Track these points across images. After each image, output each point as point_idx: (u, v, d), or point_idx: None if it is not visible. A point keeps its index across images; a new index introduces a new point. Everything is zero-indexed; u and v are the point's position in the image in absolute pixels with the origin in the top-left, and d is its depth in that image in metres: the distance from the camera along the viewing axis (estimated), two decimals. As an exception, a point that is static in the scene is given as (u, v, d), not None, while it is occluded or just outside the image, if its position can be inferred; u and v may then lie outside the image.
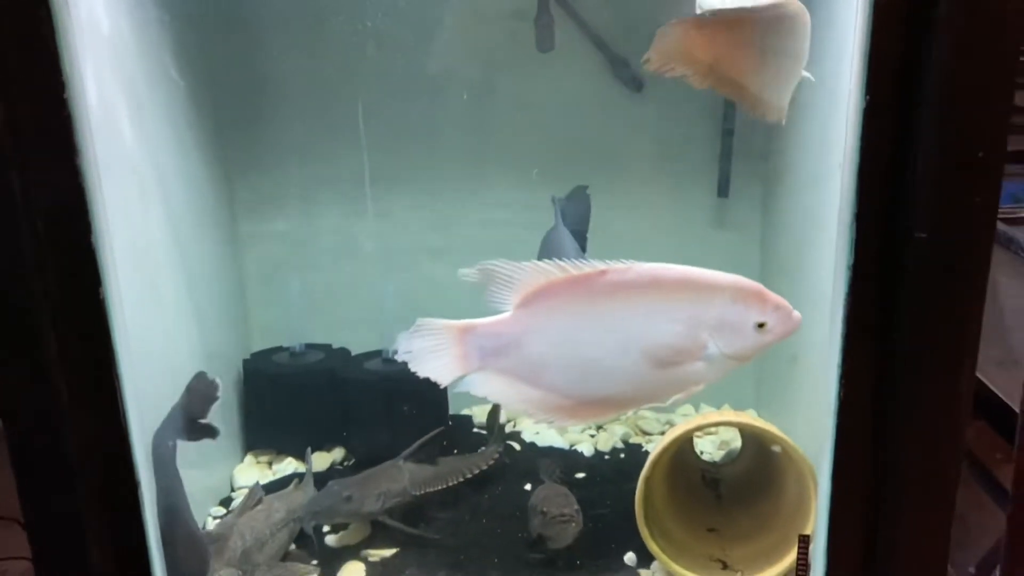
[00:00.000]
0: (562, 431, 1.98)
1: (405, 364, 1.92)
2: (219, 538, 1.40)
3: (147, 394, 1.26)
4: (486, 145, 1.93)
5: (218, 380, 1.32)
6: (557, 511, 1.38)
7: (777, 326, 1.02)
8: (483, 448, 1.78)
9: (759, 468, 1.63)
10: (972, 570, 1.43)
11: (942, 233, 0.87)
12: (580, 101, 1.90)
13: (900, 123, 0.86)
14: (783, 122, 1.12)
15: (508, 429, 1.97)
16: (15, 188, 0.93)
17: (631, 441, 1.95)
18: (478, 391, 1.14)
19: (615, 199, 1.88)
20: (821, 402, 1.12)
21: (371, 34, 1.77)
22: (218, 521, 1.54)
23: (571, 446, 1.91)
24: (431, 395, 1.86)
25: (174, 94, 1.62)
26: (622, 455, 1.88)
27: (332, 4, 1.75)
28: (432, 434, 1.65)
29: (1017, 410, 1.47)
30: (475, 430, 1.97)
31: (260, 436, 1.92)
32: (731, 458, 1.80)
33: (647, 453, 1.82)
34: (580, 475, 1.77)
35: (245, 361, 1.91)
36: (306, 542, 1.57)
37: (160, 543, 1.13)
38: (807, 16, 1.10)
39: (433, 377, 1.12)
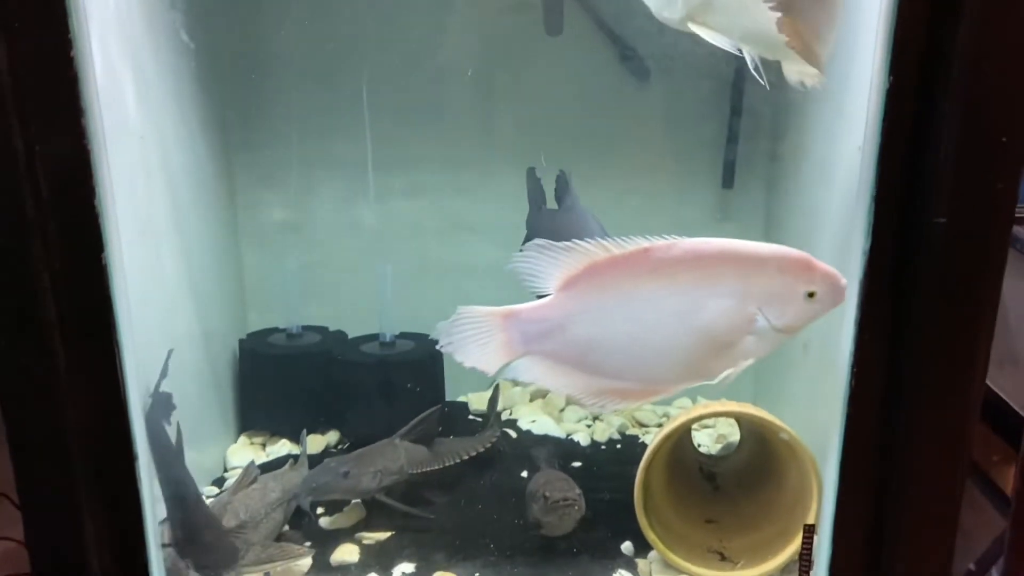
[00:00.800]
0: (558, 420, 1.96)
1: (401, 348, 1.92)
2: (213, 516, 1.39)
3: (147, 369, 1.26)
4: (489, 129, 1.91)
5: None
6: (560, 495, 1.36)
7: (827, 295, 1.00)
8: (480, 432, 1.77)
9: (758, 461, 1.62)
10: (972, 566, 1.43)
11: (961, 219, 0.86)
12: (585, 88, 1.88)
13: (923, 107, 0.85)
14: (823, 78, 1.09)
15: (504, 417, 1.95)
16: (18, 149, 0.91)
17: (628, 432, 1.94)
18: (524, 377, 1.14)
19: (618, 187, 1.87)
20: (824, 394, 1.11)
21: (378, 14, 1.75)
22: (212, 500, 1.52)
23: (567, 435, 1.90)
24: (427, 381, 1.86)
25: (180, 66, 1.60)
26: (618, 446, 1.87)
27: None
28: (428, 412, 1.64)
29: (1021, 412, 1.47)
30: (471, 417, 1.96)
31: (254, 417, 1.90)
32: (729, 451, 1.79)
33: (644, 444, 1.81)
34: (576, 464, 1.76)
35: (241, 341, 1.89)
36: (300, 523, 1.55)
37: (157, 526, 1.12)
38: None
39: (479, 367, 1.12)
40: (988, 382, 1.58)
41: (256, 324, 1.98)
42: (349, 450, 1.81)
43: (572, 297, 1.09)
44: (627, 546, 1.47)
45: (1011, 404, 1.56)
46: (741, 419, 1.72)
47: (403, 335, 1.89)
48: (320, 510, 1.58)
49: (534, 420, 1.94)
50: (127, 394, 1.02)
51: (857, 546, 1.04)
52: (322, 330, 1.95)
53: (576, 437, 1.89)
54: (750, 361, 1.09)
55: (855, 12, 1.08)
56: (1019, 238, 1.75)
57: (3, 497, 1.41)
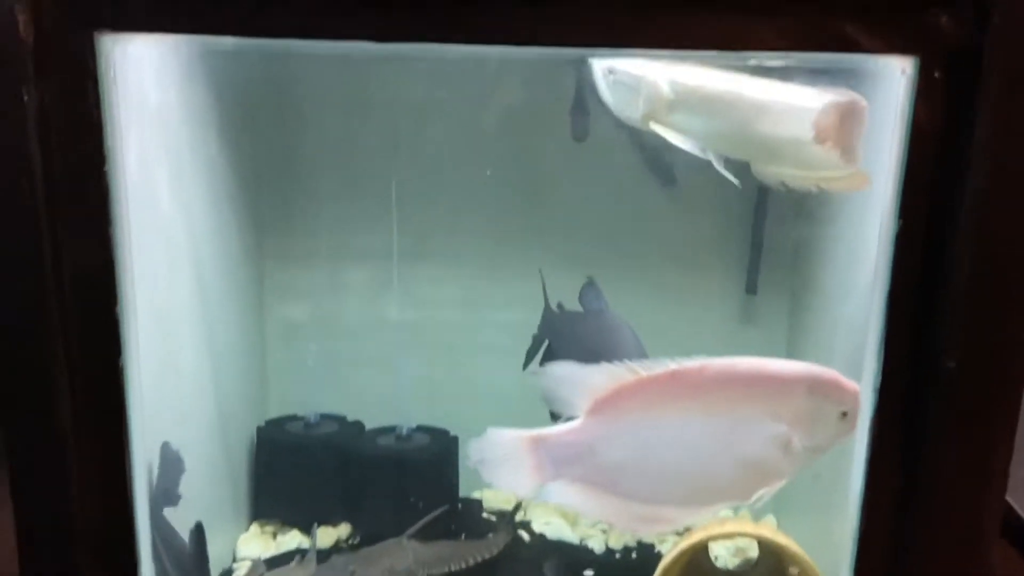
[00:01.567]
0: (573, 524, 1.93)
1: (417, 443, 1.92)
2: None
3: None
4: (514, 229, 1.93)
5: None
6: None
7: (859, 413, 0.99)
8: (491, 535, 1.74)
9: (775, 580, 1.57)
10: None
11: (971, 364, 0.85)
12: (610, 191, 1.91)
13: (932, 251, 0.85)
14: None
15: (518, 517, 1.92)
16: (46, 253, 0.94)
17: (644, 540, 1.89)
18: (555, 500, 1.14)
19: (640, 291, 1.88)
20: (842, 517, 1.09)
21: (409, 116, 1.81)
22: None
23: (581, 540, 1.86)
24: (441, 476, 1.85)
25: (216, 159, 1.66)
26: (633, 554, 1.82)
27: (370, 86, 1.79)
28: (436, 512, 1.62)
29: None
30: (484, 515, 1.93)
31: (268, 505, 1.89)
32: (747, 567, 1.74)
33: (660, 554, 1.76)
34: (588, 573, 1.72)
35: (259, 428, 1.90)
36: (305, 622, 1.53)
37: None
38: None
39: (510, 490, 1.15)
40: (1014, 502, 1.54)
41: (277, 411, 1.99)
42: (360, 544, 1.79)
43: (601, 422, 1.10)
44: (637, 666, 1.43)
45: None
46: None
47: (420, 428, 1.88)
48: (326, 609, 1.56)
49: (548, 522, 1.91)
50: (134, 497, 1.03)
51: None
52: (340, 420, 1.94)
53: (590, 543, 1.85)
54: (783, 481, 1.08)
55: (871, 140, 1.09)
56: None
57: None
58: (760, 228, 1.91)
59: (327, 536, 1.83)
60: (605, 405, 1.09)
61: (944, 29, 0.82)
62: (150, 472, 1.25)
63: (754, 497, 1.09)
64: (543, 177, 1.87)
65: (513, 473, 1.12)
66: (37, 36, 0.87)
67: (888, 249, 0.87)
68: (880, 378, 0.90)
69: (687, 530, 1.87)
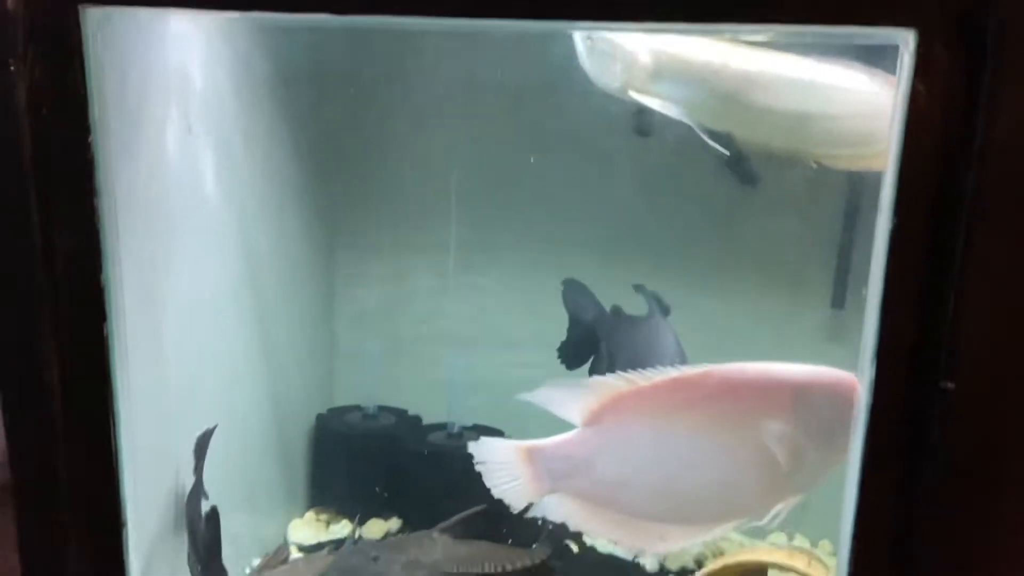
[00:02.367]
0: (628, 539, 1.83)
1: (467, 441, 1.90)
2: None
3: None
4: (585, 230, 1.86)
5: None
6: None
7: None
8: (535, 545, 1.68)
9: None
10: None
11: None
12: (684, 193, 1.80)
13: (931, 253, 0.73)
14: None
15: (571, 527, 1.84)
16: (36, 225, 0.98)
17: (705, 563, 1.77)
18: (554, 516, 1.10)
19: (717, 304, 1.76)
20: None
21: (474, 104, 1.78)
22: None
23: (634, 557, 1.76)
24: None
25: (276, 152, 1.69)
26: (688, 578, 1.71)
27: (439, 78, 1.78)
28: (472, 511, 1.58)
29: None
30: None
31: (324, 494, 1.91)
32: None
33: (713, 580, 1.64)
34: (631, 592, 1.62)
35: (318, 416, 1.92)
36: (331, 611, 1.53)
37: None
38: None
39: (506, 500, 1.10)
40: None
41: (343, 399, 2.01)
42: (407, 539, 1.78)
43: (598, 433, 1.05)
44: None
45: None
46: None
47: (476, 427, 1.85)
48: (353, 601, 1.55)
49: (611, 540, 1.82)
50: (119, 456, 1.05)
51: None
52: (399, 413, 1.95)
53: (643, 561, 1.74)
54: (801, 496, 1.01)
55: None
56: None
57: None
58: (850, 235, 1.75)
59: (377, 528, 1.83)
60: (602, 415, 1.04)
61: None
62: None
63: (770, 514, 1.01)
64: (608, 175, 1.79)
65: (510, 483, 1.08)
66: (24, 9, 0.90)
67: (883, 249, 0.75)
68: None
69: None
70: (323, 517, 1.89)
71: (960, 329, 0.72)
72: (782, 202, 1.76)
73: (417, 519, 1.79)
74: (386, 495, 1.82)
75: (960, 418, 0.72)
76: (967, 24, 0.68)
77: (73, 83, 0.94)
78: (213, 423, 1.48)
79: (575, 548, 1.78)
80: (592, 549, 1.79)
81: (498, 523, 1.64)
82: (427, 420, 1.93)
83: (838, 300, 1.78)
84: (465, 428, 1.83)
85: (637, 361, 1.51)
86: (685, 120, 1.04)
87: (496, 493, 1.10)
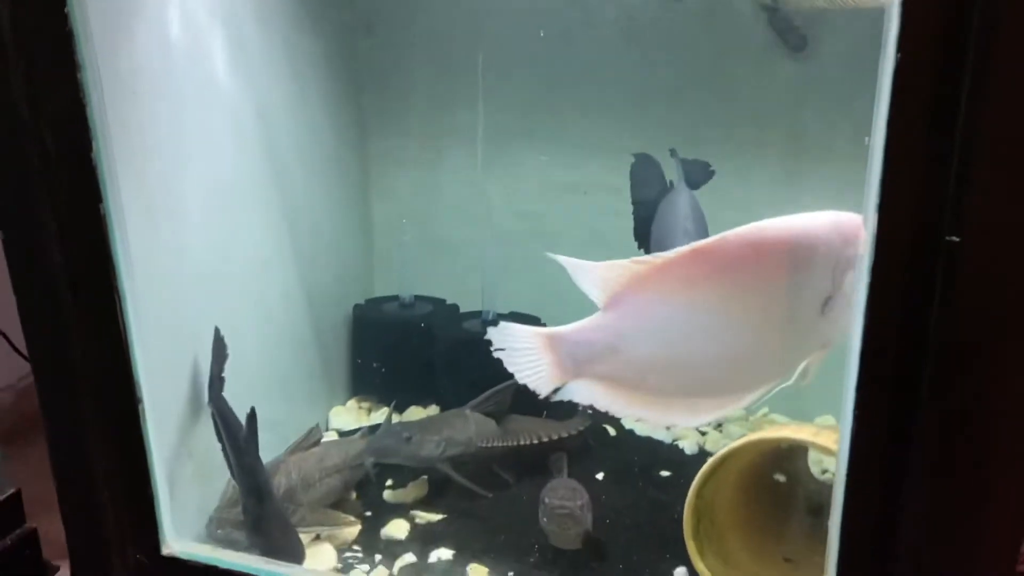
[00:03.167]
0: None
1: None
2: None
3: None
4: (626, 106, 1.77)
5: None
6: (558, 502, 1.24)
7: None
8: (572, 419, 1.67)
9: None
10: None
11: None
12: (725, 59, 1.68)
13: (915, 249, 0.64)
14: None
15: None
16: (21, 104, 0.97)
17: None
18: (581, 399, 1.08)
19: (763, 171, 1.67)
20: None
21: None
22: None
23: (673, 441, 1.74)
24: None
25: (293, 36, 1.64)
26: (726, 460, 1.67)
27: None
28: (502, 385, 1.57)
29: None
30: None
31: (365, 382, 1.93)
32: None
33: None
34: (665, 473, 1.60)
35: (356, 306, 1.93)
36: (366, 492, 1.55)
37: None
38: None
39: (531, 387, 1.08)
40: None
41: (383, 290, 2.01)
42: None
43: (619, 317, 1.01)
44: (681, 571, 1.31)
45: None
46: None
47: (513, 314, 1.82)
48: (389, 482, 1.57)
49: (639, 419, 1.80)
50: (129, 336, 1.06)
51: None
52: (437, 302, 1.93)
53: (681, 443, 1.72)
54: (830, 347, 0.98)
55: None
56: None
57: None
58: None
59: (416, 415, 1.84)
60: (622, 299, 1.00)
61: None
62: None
63: (798, 370, 0.99)
64: (643, 44, 1.68)
65: (533, 368, 1.07)
66: None
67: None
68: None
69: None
70: (365, 405, 1.92)
71: (967, 183, 0.64)
72: (829, 65, 1.64)
73: (456, 406, 1.80)
74: (426, 383, 1.82)
75: (966, 273, 0.65)
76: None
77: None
78: (241, 310, 1.50)
79: (612, 431, 1.76)
80: (631, 432, 1.77)
81: (535, 400, 1.64)
82: (465, 309, 1.91)
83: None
84: (500, 315, 1.81)
85: (662, 235, 1.45)
86: None
87: (520, 379, 1.08)
